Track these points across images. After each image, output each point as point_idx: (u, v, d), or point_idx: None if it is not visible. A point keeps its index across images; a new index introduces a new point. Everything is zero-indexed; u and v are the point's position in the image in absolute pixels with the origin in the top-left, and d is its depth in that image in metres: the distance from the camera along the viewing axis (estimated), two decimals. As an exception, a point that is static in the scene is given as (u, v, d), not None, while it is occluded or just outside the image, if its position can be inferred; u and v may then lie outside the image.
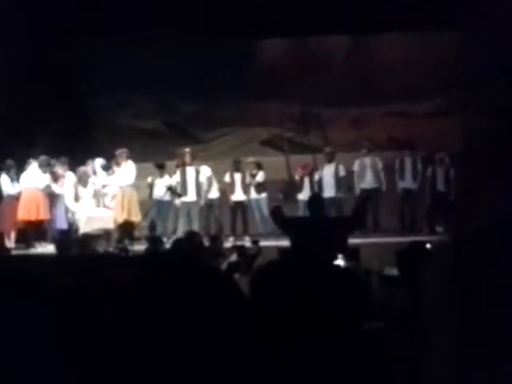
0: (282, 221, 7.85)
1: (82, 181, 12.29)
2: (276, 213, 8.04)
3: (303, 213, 12.47)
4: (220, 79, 14.98)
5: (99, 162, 12.95)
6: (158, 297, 2.18)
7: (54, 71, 14.01)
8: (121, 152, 12.74)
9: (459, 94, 14.53)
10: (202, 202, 12.96)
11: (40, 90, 13.55)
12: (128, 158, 12.77)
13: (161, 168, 13.05)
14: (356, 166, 13.18)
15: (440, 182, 12.76)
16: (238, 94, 15.22)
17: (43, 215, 12.21)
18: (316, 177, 13.15)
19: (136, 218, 12.60)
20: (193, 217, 12.74)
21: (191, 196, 12.80)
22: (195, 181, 12.87)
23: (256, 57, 15.69)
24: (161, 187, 12.91)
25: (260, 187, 13.13)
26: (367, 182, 13.05)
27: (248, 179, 13.19)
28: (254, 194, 13.20)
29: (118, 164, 12.65)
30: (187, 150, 13.27)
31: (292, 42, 15.65)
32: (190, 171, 12.92)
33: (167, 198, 12.87)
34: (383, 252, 7.89)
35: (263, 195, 13.17)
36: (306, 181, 13.09)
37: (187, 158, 12.98)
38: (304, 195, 12.72)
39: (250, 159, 13.67)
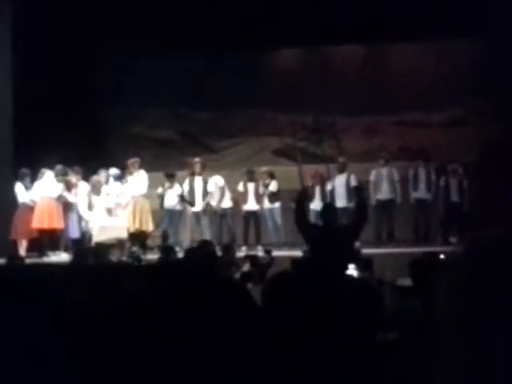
0: (303, 215, 7.80)
1: (96, 190, 12.34)
2: (301, 197, 8.00)
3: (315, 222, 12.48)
4: (233, 89, 15.00)
5: (113, 171, 13.00)
6: (171, 306, 2.19)
7: (67, 82, 14.07)
8: (133, 161, 12.80)
9: (473, 104, 14.48)
10: (211, 210, 13.03)
11: (55, 101, 13.62)
12: (140, 167, 12.81)
13: (171, 177, 13.09)
14: (372, 176, 13.15)
15: (453, 193, 12.70)
16: (251, 104, 15.24)
17: (57, 224, 12.25)
18: (328, 186, 13.13)
19: (148, 227, 12.63)
20: (202, 226, 12.77)
21: (198, 205, 12.86)
22: (202, 190, 12.91)
23: (269, 66, 15.71)
24: (171, 197, 12.95)
25: (273, 197, 13.15)
26: (383, 192, 13.02)
27: (261, 189, 13.21)
28: (267, 204, 13.21)
29: (131, 173, 12.71)
30: (197, 159, 13.31)
31: (305, 51, 15.65)
32: (198, 181, 12.96)
33: (179, 207, 12.90)
34: (397, 262, 7.86)
35: (276, 205, 13.17)
36: (317, 190, 13.08)
37: (196, 168, 13.03)
38: (315, 205, 12.71)
39: (263, 168, 13.69)
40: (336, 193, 12.90)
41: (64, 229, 12.43)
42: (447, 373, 1.37)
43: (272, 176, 13.35)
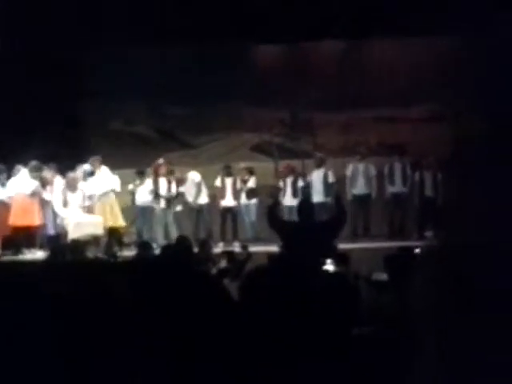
0: (276, 218, 7.85)
1: (71, 186, 12.26)
2: (273, 208, 8.05)
3: (288, 217, 12.51)
4: (211, 84, 14.95)
5: (86, 167, 12.92)
6: (149, 301, 2.19)
7: (44, 77, 13.96)
8: (93, 159, 12.75)
9: (449, 100, 14.57)
10: (186, 206, 13.04)
11: (30, 96, 13.51)
12: (101, 164, 12.73)
13: (141, 174, 13.09)
14: (349, 171, 13.21)
15: (428, 187, 12.80)
16: (229, 100, 15.21)
17: (33, 221, 12.14)
18: (300, 182, 13.15)
19: (119, 223, 12.61)
20: (168, 223, 12.75)
21: (162, 204, 12.86)
22: (166, 191, 12.88)
23: (247, 62, 15.67)
24: (143, 193, 12.93)
25: (251, 193, 13.17)
26: (359, 187, 13.09)
27: (239, 185, 13.22)
28: (244, 200, 13.23)
29: (94, 171, 12.70)
30: (161, 161, 13.28)
31: (283, 47, 15.63)
32: (162, 182, 12.91)
33: (150, 203, 12.86)
34: (372, 257, 7.90)
35: (253, 201, 13.20)
36: (289, 186, 13.11)
37: (161, 169, 12.98)
38: (287, 200, 12.75)
39: (242, 165, 13.70)
40: (313, 188, 12.95)
41: (40, 226, 12.32)
42: (423, 367, 1.39)
43: (251, 172, 13.38)
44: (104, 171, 12.72)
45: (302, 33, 14.23)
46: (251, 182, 13.23)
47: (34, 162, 12.26)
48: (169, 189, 12.89)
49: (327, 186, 12.89)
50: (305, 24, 13.91)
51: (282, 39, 14.81)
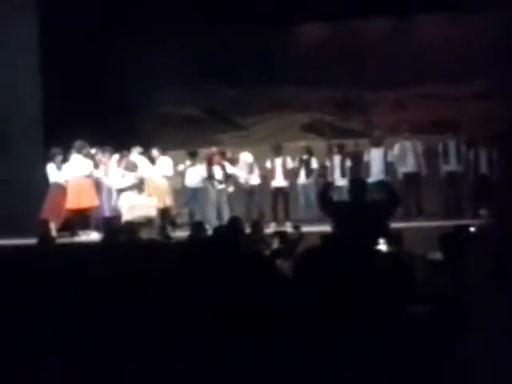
0: (327, 200, 7.79)
1: (128, 169, 12.40)
2: (325, 191, 7.99)
3: (338, 198, 12.45)
4: (260, 65, 14.95)
5: (137, 150, 13.04)
6: (202, 282, 2.21)
7: (95, 63, 14.13)
8: (155, 149, 12.88)
9: (501, 76, 14.29)
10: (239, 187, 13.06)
11: (82, 82, 13.69)
12: (160, 154, 12.86)
13: (193, 156, 13.11)
14: (396, 150, 12.99)
15: (483, 165, 12.59)
16: (279, 80, 15.17)
17: (91, 202, 12.31)
18: (348, 162, 13.02)
19: (171, 204, 12.73)
20: (222, 204, 12.77)
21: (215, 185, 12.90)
22: (222, 175, 12.91)
23: (296, 42, 15.60)
24: (193, 175, 12.96)
25: (310, 172, 13.11)
26: (409, 165, 12.90)
27: (290, 164, 13.15)
28: (302, 179, 13.14)
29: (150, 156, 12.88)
30: (214, 149, 13.30)
31: (331, 25, 15.51)
32: (216, 169, 12.93)
33: (201, 185, 12.91)
34: (427, 236, 7.82)
35: (311, 180, 13.12)
36: (337, 166, 12.99)
37: (215, 158, 12.99)
38: (336, 180, 12.65)
39: (302, 143, 13.66)
40: (372, 167, 12.74)
41: (95, 207, 12.50)
42: (477, 346, 1.37)
43: (310, 152, 13.30)
44: (163, 159, 12.87)
45: (350, 10, 14.08)
46: (313, 162, 13.18)
47: (78, 142, 12.38)
48: (222, 174, 12.92)
49: (387, 165, 12.72)
50: (354, 2, 13.76)
51: (330, 17, 14.69)
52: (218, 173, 12.92)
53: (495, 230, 1.31)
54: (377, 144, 12.94)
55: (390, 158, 12.80)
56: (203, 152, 13.46)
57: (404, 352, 2.12)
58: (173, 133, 15.34)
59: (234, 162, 13.31)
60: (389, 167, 12.70)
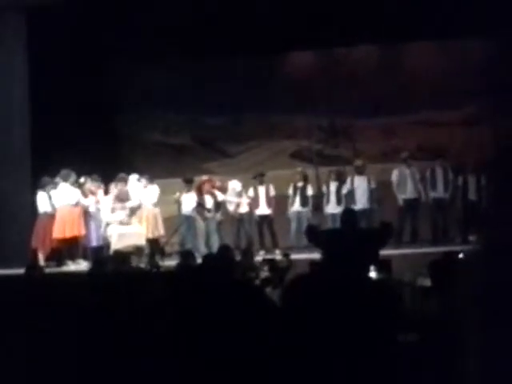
0: (315, 235, 7.81)
1: (119, 198, 12.37)
2: (311, 231, 8.02)
3: (332, 225, 12.48)
4: (247, 93, 15.02)
5: (134, 178, 13.02)
6: (192, 311, 2.20)
7: (84, 89, 14.16)
8: (120, 177, 12.79)
9: (489, 102, 14.42)
10: (220, 217, 13.06)
11: (71, 109, 13.72)
12: (126, 181, 12.80)
13: (189, 183, 13.11)
14: (394, 176, 13.06)
15: (471, 191, 12.65)
16: (266, 107, 15.23)
17: (78, 231, 12.27)
18: (344, 189, 13.07)
19: (161, 233, 12.71)
20: (211, 232, 12.77)
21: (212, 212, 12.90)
22: (213, 204, 12.92)
23: (284, 69, 15.70)
24: (189, 202, 12.96)
25: (306, 200, 13.12)
26: (408, 192, 12.96)
27: (272, 192, 13.16)
28: (296, 206, 13.15)
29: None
30: (205, 177, 13.32)
31: (320, 53, 15.63)
32: (207, 198, 12.94)
33: (194, 214, 12.90)
34: (416, 263, 7.82)
35: (306, 208, 13.13)
36: (333, 193, 13.03)
37: (206, 186, 13.01)
38: (330, 208, 12.79)
39: (299, 169, 13.67)
40: (356, 195, 12.84)
41: (84, 236, 12.45)
42: (468, 372, 1.37)
43: (305, 178, 13.31)
44: (146, 183, 12.85)
45: (338, 38, 14.19)
46: (309, 190, 13.20)
47: (64, 171, 12.35)
48: (213, 203, 12.93)
49: (370, 193, 12.82)
50: (341, 30, 13.87)
51: (318, 45, 14.80)
52: (208, 201, 12.92)
53: (484, 257, 1.31)
54: (360, 172, 13.04)
55: (373, 186, 12.89)
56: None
57: (395, 380, 2.11)
58: (161, 161, 15.34)
59: (223, 190, 13.32)
60: (372, 195, 12.78)
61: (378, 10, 13.80)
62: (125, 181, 12.65)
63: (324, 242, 7.53)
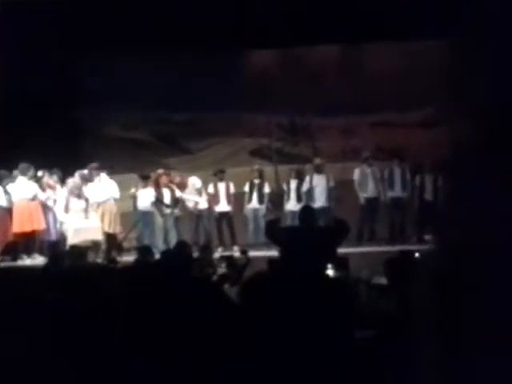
0: (274, 231, 7.85)
1: (73, 193, 12.23)
2: (273, 223, 8.04)
3: (291, 223, 12.55)
4: (208, 89, 14.98)
5: (83, 173, 12.86)
6: (148, 307, 2.19)
7: (41, 83, 13.98)
8: (91, 166, 12.68)
9: (446, 104, 14.58)
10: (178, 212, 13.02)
11: (28, 102, 13.54)
12: (99, 171, 12.68)
13: (145, 179, 13.05)
14: (356, 175, 13.20)
15: (428, 191, 12.81)
16: (227, 105, 15.22)
17: (38, 225, 12.12)
18: (304, 187, 13.14)
19: (118, 229, 12.62)
20: (169, 228, 12.72)
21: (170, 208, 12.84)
22: (171, 198, 12.87)
23: (245, 67, 15.70)
24: (145, 198, 12.89)
25: (263, 198, 13.15)
26: (369, 191, 13.11)
27: (232, 189, 13.16)
28: (253, 204, 13.15)
29: (92, 179, 12.65)
30: (161, 171, 13.25)
31: (281, 51, 15.67)
32: (166, 193, 12.89)
33: (152, 209, 12.83)
34: (372, 261, 7.89)
35: (263, 206, 13.16)
36: (293, 190, 13.10)
37: (162, 179, 12.95)
38: (290, 205, 12.87)
39: (255, 166, 13.67)
40: (315, 193, 12.95)
41: (42, 231, 12.30)
42: (422, 370, 1.39)
43: (262, 176, 13.32)
44: (103, 178, 12.71)
45: (300, 37, 14.24)
46: (266, 188, 13.22)
47: (23, 164, 12.20)
48: (171, 197, 12.87)
49: (329, 191, 12.94)
50: (303, 28, 13.91)
51: (280, 44, 14.82)
52: (166, 196, 12.86)
53: (439, 256, 1.33)
54: (318, 171, 13.16)
55: (331, 184, 13.02)
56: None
57: (351, 377, 2.13)
58: (120, 156, 15.23)
59: (182, 186, 13.27)
60: (330, 193, 12.90)
61: (340, 10, 13.87)
62: (85, 175, 12.53)
63: (282, 239, 7.56)
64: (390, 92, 14.82)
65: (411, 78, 14.80)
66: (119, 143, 15.78)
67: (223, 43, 14.15)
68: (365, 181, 13.14)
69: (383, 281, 5.30)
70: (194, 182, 13.25)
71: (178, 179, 13.38)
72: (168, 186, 12.93)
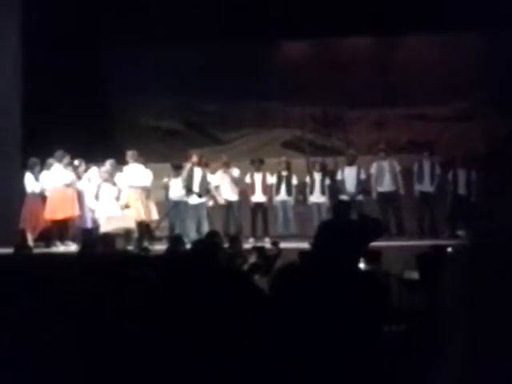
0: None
1: (105, 180, 12.31)
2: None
3: (317, 214, 12.53)
4: (242, 80, 14.98)
5: (112, 162, 12.92)
6: (178, 296, 2.20)
7: (75, 73, 14.09)
8: (130, 153, 12.74)
9: (480, 97, 14.45)
10: (222, 202, 12.97)
11: (63, 91, 13.65)
12: (136, 158, 12.73)
13: (178, 168, 13.05)
14: (373, 169, 13.11)
15: (461, 186, 12.68)
16: (260, 95, 15.21)
17: (72, 212, 12.22)
18: (327, 180, 13.08)
19: (151, 217, 12.63)
20: (201, 218, 12.71)
21: (203, 197, 12.79)
22: (201, 181, 12.82)
23: (279, 58, 15.68)
24: (177, 188, 12.90)
25: (291, 189, 13.09)
26: (385, 185, 13.01)
27: (269, 180, 13.11)
28: (282, 196, 13.10)
29: (127, 164, 12.70)
30: (194, 151, 13.26)
31: (315, 42, 15.62)
32: (197, 172, 12.87)
33: (185, 198, 12.83)
34: (404, 255, 7.84)
35: (291, 197, 13.11)
36: (318, 182, 13.04)
37: (193, 159, 12.92)
38: (315, 197, 12.78)
39: (283, 158, 13.60)
40: (346, 185, 12.88)
41: (75, 218, 12.41)
42: (453, 365, 1.38)
43: (289, 167, 13.26)
44: (137, 166, 12.74)
45: (333, 28, 14.18)
46: (294, 179, 13.16)
47: (59, 152, 12.31)
48: (202, 183, 12.83)
49: (359, 184, 12.87)
50: (337, 19, 13.85)
51: (313, 35, 14.77)
52: (197, 176, 12.80)
53: (472, 252, 1.32)
54: (350, 162, 13.08)
55: (362, 177, 12.94)
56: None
57: (381, 371, 2.12)
58: (152, 146, 15.29)
59: (227, 165, 13.08)
60: (361, 186, 12.83)
61: (374, 2, 13.80)
62: (118, 164, 12.61)
63: (316, 231, 7.53)
64: (424, 84, 14.71)
65: (445, 70, 14.68)
66: (152, 133, 15.85)
67: (258, 33, 14.14)
68: (381, 174, 13.01)
69: (415, 275, 5.27)
70: (234, 173, 13.16)
71: (224, 159, 13.24)
72: (201, 167, 12.87)
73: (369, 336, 2.23)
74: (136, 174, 12.65)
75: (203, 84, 15.12)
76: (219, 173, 13.09)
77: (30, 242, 11.76)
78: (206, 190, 12.92)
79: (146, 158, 13.19)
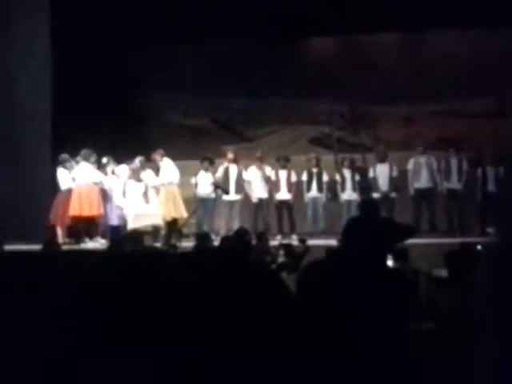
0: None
1: (133, 177, 12.36)
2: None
3: (347, 212, 12.45)
4: (269, 77, 14.98)
5: (141, 159, 12.97)
6: (207, 292, 2.21)
7: (104, 70, 14.19)
8: (157, 152, 12.79)
9: (510, 94, 14.30)
10: (255, 200, 12.97)
11: (92, 89, 13.74)
12: (164, 156, 12.76)
13: (210, 163, 13.01)
14: (410, 165, 12.97)
15: (491, 183, 12.55)
16: (288, 92, 15.20)
17: (97, 210, 12.30)
18: (357, 176, 13.00)
19: (181, 214, 12.63)
20: (234, 215, 12.71)
21: (232, 194, 12.80)
22: (236, 178, 12.83)
23: (306, 55, 15.66)
24: (205, 185, 12.90)
25: (322, 186, 13.02)
26: (422, 181, 12.87)
27: (294, 177, 13.06)
28: (313, 192, 13.05)
29: (156, 163, 12.74)
30: (229, 147, 13.26)
31: (342, 39, 15.58)
32: (233, 169, 12.89)
33: (213, 195, 12.85)
34: (433, 253, 7.79)
35: (322, 194, 13.04)
36: (349, 180, 12.95)
37: (229, 156, 12.94)
38: (348, 195, 12.75)
39: (312, 154, 13.50)
40: (377, 182, 12.77)
41: (101, 215, 12.48)
42: (483, 363, 1.37)
43: (319, 164, 13.17)
44: (166, 163, 12.78)
45: (361, 24, 14.11)
46: (325, 176, 13.08)
47: (84, 150, 12.39)
48: (238, 180, 12.83)
49: (392, 181, 12.76)
50: (364, 15, 13.79)
51: (341, 31, 14.72)
52: (233, 172, 12.81)
53: (502, 249, 1.30)
54: (382, 159, 12.96)
55: (394, 174, 12.84)
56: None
57: (408, 369, 2.11)
58: (180, 143, 15.35)
59: (261, 160, 13.08)
60: (393, 183, 12.74)
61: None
62: (147, 160, 12.66)
63: (344, 229, 7.49)
64: (453, 80, 14.60)
65: (474, 66, 14.55)
66: (180, 130, 15.91)
67: (284, 30, 14.13)
68: (418, 170, 12.89)
69: (443, 273, 5.22)
70: (266, 168, 13.13)
71: (258, 154, 13.22)
72: (236, 163, 12.88)
73: (397, 334, 2.22)
74: (167, 171, 12.70)
75: (230, 81, 15.14)
76: (252, 169, 13.05)
77: (60, 239, 11.86)
78: (241, 187, 12.90)
79: (173, 156, 13.23)
